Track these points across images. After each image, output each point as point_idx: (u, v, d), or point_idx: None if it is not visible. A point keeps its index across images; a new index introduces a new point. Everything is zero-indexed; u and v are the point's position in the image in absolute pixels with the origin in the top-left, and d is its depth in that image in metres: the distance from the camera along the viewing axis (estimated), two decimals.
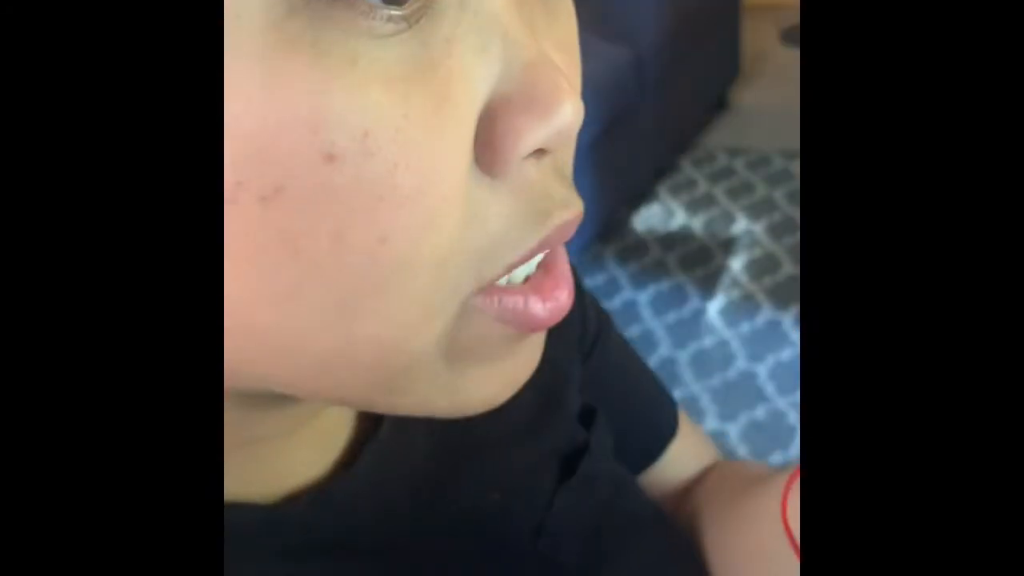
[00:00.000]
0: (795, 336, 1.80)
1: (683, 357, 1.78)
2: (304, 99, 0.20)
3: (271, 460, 0.30)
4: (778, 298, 1.88)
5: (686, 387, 1.71)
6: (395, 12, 0.21)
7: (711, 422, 1.65)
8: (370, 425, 0.33)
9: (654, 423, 0.49)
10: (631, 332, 1.83)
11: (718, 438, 1.62)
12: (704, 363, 1.76)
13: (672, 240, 2.08)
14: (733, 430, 1.64)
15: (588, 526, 0.38)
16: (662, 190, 2.24)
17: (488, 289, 0.24)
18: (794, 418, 1.64)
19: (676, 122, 2.13)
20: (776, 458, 1.60)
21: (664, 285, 1.95)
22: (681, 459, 0.50)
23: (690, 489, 0.49)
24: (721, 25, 2.34)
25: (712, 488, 0.47)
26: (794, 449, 1.60)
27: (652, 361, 1.75)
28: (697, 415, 1.66)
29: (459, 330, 0.24)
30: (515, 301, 0.25)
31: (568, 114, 0.23)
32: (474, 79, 0.22)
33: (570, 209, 0.25)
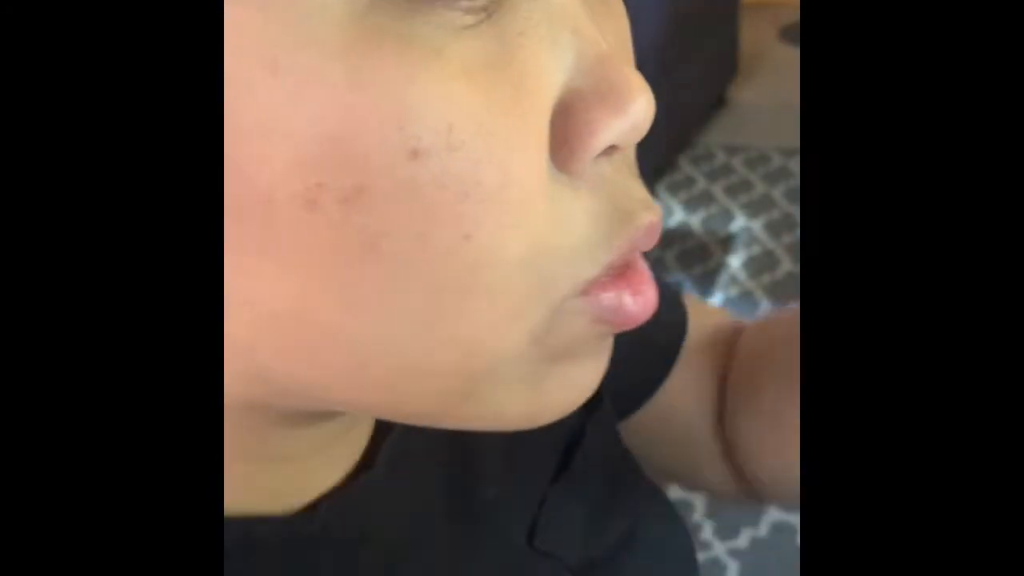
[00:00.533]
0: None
1: None
2: (390, 93, 0.19)
3: (298, 477, 0.29)
4: (777, 295, 1.88)
5: None
6: (474, 3, 0.20)
7: None
8: (385, 427, 0.33)
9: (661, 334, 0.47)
10: None
11: None
12: None
13: (671, 238, 2.09)
14: None
15: (584, 521, 0.38)
16: (660, 188, 2.24)
17: (586, 289, 0.24)
18: None
19: (674, 120, 2.13)
20: None
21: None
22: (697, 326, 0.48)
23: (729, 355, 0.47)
24: (719, 23, 2.35)
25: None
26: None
27: None
28: None
29: (549, 331, 0.24)
30: (610, 299, 0.24)
31: (643, 108, 0.23)
32: (548, 73, 0.22)
33: (652, 211, 0.25)
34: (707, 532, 1.50)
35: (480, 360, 0.23)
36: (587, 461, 0.38)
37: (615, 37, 0.25)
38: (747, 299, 1.90)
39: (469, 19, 0.20)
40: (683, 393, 0.45)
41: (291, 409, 0.26)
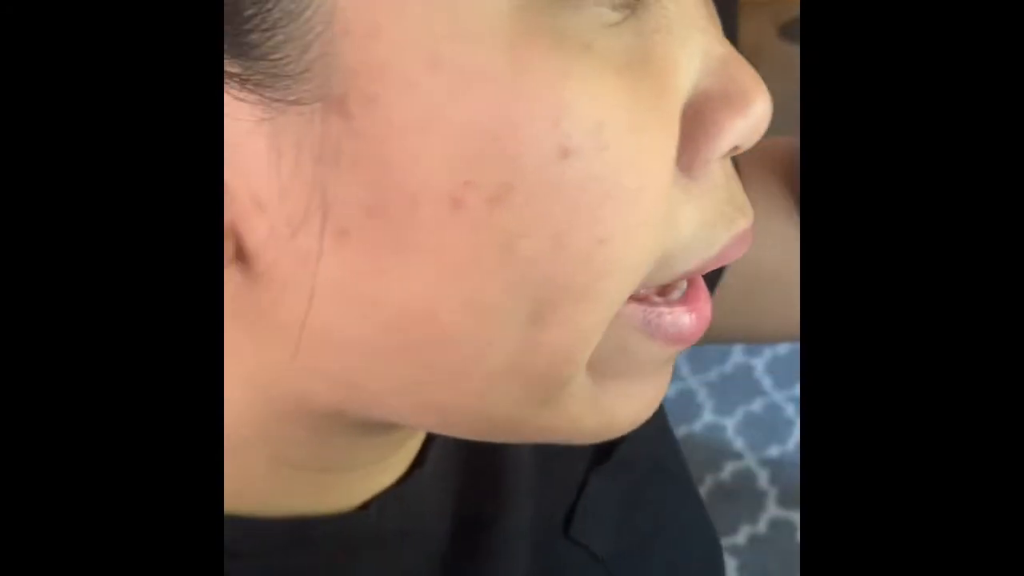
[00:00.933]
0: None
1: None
2: (547, 88, 0.20)
3: (357, 482, 0.30)
4: None
5: (683, 381, 1.71)
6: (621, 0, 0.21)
7: (708, 415, 1.65)
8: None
9: None
10: None
11: (715, 432, 1.62)
12: (701, 357, 1.75)
13: None
14: (730, 423, 1.64)
15: (619, 510, 0.37)
16: None
17: (638, 296, 0.24)
18: (791, 411, 1.63)
19: None
20: (773, 451, 1.60)
21: None
22: None
23: None
24: (719, 19, 2.32)
25: None
26: (791, 442, 1.60)
27: None
28: (694, 409, 1.66)
29: (610, 348, 0.24)
30: (660, 315, 0.24)
31: (764, 109, 0.23)
32: (681, 71, 0.22)
33: (747, 217, 0.25)
34: None
35: (566, 369, 0.23)
36: (630, 450, 0.38)
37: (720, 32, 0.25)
38: None
39: (616, 15, 0.21)
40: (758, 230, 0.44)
41: (370, 420, 0.26)
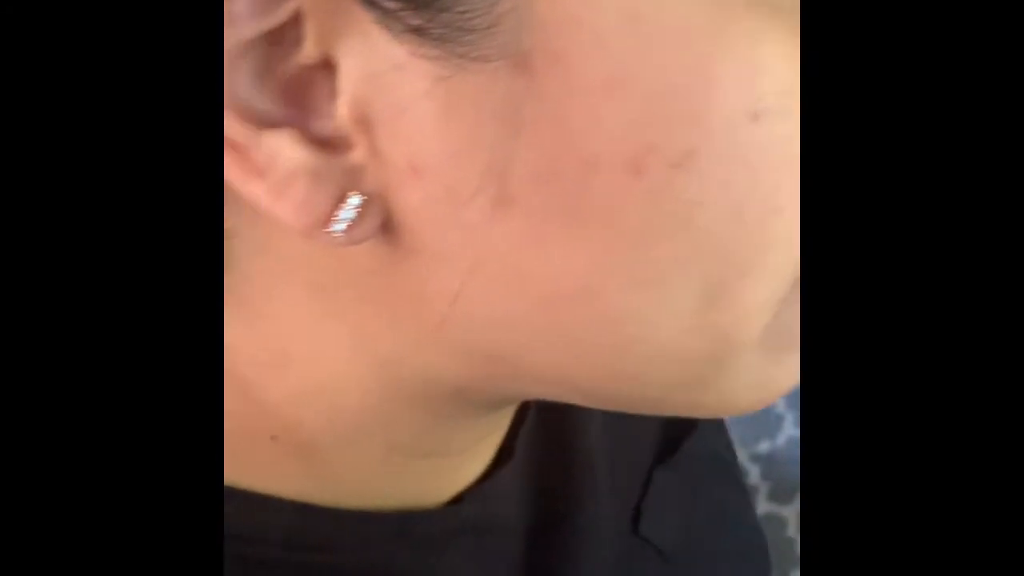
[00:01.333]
0: None
1: None
2: (745, 47, 0.19)
3: (449, 471, 0.29)
4: None
5: None
6: None
7: None
8: (521, 414, 0.32)
9: None
10: None
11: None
12: None
13: None
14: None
15: (683, 509, 0.37)
16: None
17: None
18: (781, 406, 1.63)
19: None
20: (764, 446, 1.61)
21: None
22: None
23: None
24: None
25: None
26: (781, 437, 1.60)
27: None
28: None
29: (780, 319, 0.23)
30: None
31: None
32: None
33: None
34: None
35: (726, 349, 0.22)
36: (694, 453, 0.38)
37: None
38: None
39: None
40: None
41: (500, 394, 0.25)
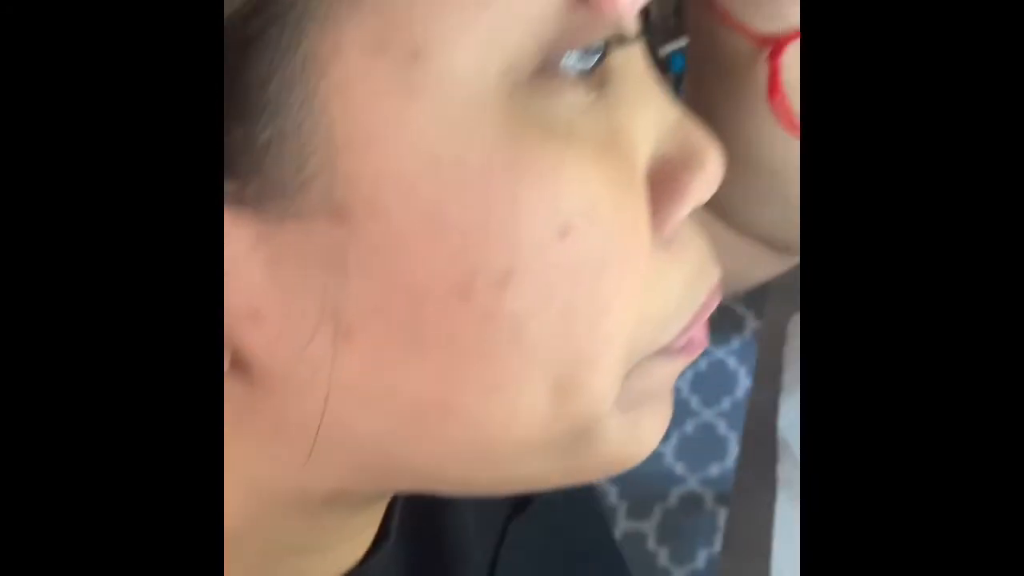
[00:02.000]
0: (711, 345, 1.76)
1: None
2: (545, 175, 0.20)
3: (332, 563, 0.29)
4: None
5: None
6: (591, 79, 0.22)
7: None
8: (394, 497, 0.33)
9: None
10: None
11: (654, 460, 1.60)
12: None
13: None
14: (668, 449, 1.63)
15: (540, 559, 0.38)
16: None
17: (664, 349, 0.25)
18: (723, 428, 1.65)
19: None
20: (714, 470, 1.61)
21: None
22: None
23: None
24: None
25: None
26: (729, 459, 1.60)
27: None
28: None
29: (633, 383, 0.24)
30: (679, 338, 0.25)
31: (719, 163, 0.24)
32: (643, 141, 0.23)
33: (718, 268, 0.26)
34: (663, 559, 1.50)
35: (586, 429, 0.24)
36: (549, 501, 0.39)
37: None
38: None
39: (591, 96, 0.22)
40: None
41: (376, 492, 0.27)
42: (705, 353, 1.75)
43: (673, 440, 1.65)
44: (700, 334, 0.25)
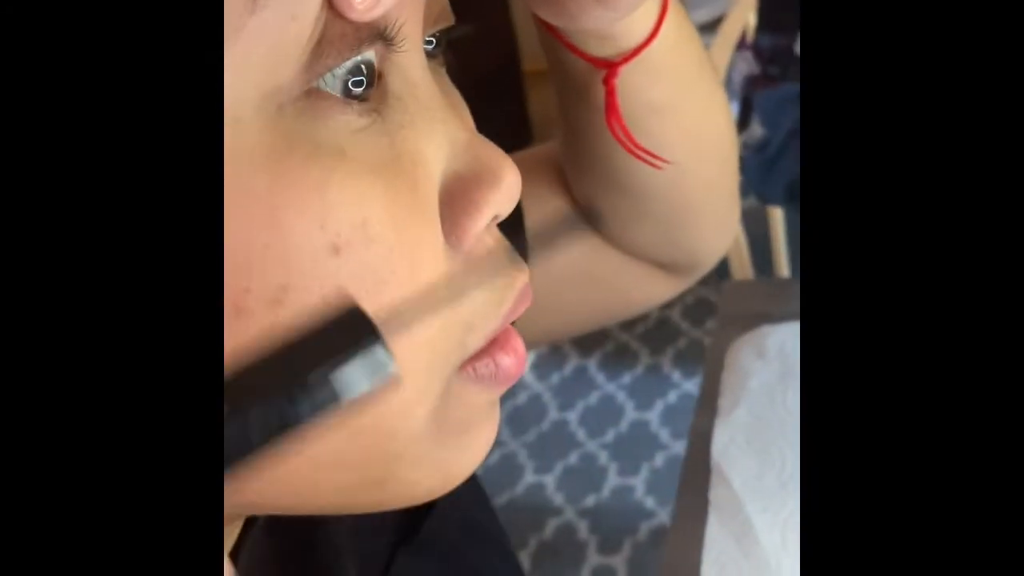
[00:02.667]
0: (600, 379, 1.83)
1: (500, 416, 1.75)
2: (310, 193, 0.21)
3: None
4: (582, 346, 1.90)
5: (505, 446, 1.73)
6: (365, 105, 0.22)
7: (529, 476, 1.66)
8: (249, 521, 0.33)
9: None
10: None
11: (536, 491, 1.63)
12: (519, 419, 1.78)
13: None
14: (549, 480, 1.64)
15: None
16: None
17: (463, 364, 0.25)
18: (604, 458, 1.66)
19: None
20: (590, 500, 1.61)
21: None
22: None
23: None
24: (504, 93, 2.38)
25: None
26: (606, 489, 1.62)
27: None
28: (516, 471, 1.68)
29: (446, 407, 0.25)
30: (486, 364, 0.25)
31: (515, 179, 0.25)
32: (431, 160, 0.24)
33: (524, 271, 0.26)
34: None
35: (392, 444, 0.24)
36: (440, 521, 0.39)
37: (466, 122, 0.27)
38: (556, 353, 1.89)
39: (364, 120, 0.22)
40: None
41: None
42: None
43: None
44: (509, 364, 0.26)
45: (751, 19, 1.38)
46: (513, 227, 0.40)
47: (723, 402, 0.75)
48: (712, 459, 0.69)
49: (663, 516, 1.56)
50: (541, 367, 1.87)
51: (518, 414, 1.78)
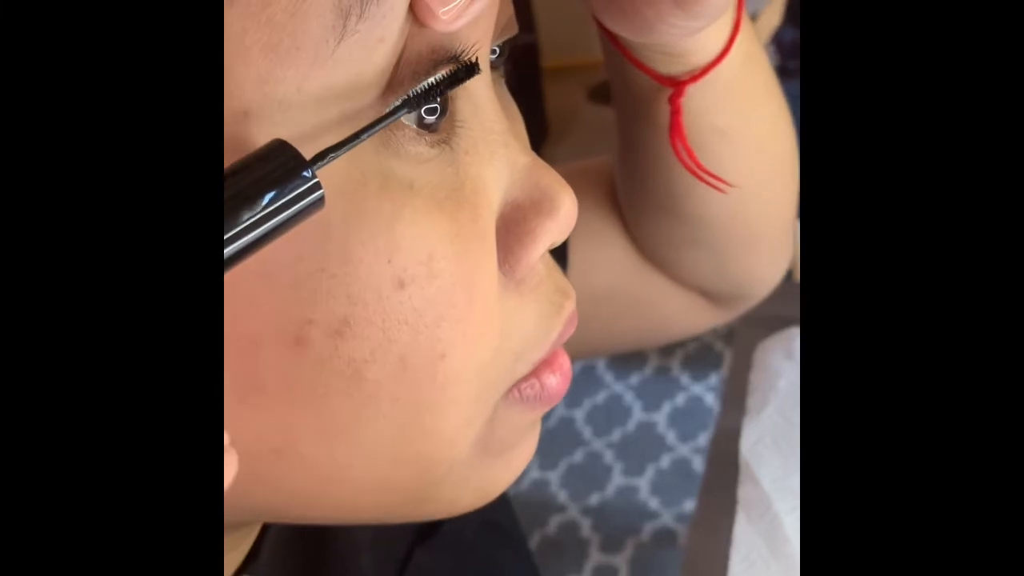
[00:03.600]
0: (608, 379, 1.82)
1: None
2: (379, 227, 0.20)
3: None
4: None
5: None
6: (436, 136, 0.22)
7: (533, 472, 1.66)
8: None
9: None
10: None
11: (540, 487, 1.64)
12: None
13: None
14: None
15: None
16: None
17: (509, 388, 0.25)
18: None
19: None
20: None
21: None
22: None
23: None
24: (522, 88, 2.39)
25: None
26: (611, 488, 1.61)
27: None
28: None
29: (492, 430, 0.25)
30: (531, 385, 0.25)
31: (571, 208, 0.25)
32: (491, 188, 0.23)
33: (572, 297, 0.26)
34: None
35: (436, 471, 0.24)
36: (459, 526, 0.38)
37: (523, 140, 0.26)
38: None
39: (432, 151, 0.22)
40: (592, 254, 0.42)
41: (230, 522, 0.26)
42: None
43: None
44: (555, 383, 0.26)
45: (776, 22, 1.38)
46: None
47: (751, 401, 0.75)
48: (741, 457, 0.69)
49: (667, 518, 1.56)
50: None
51: None
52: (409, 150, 0.21)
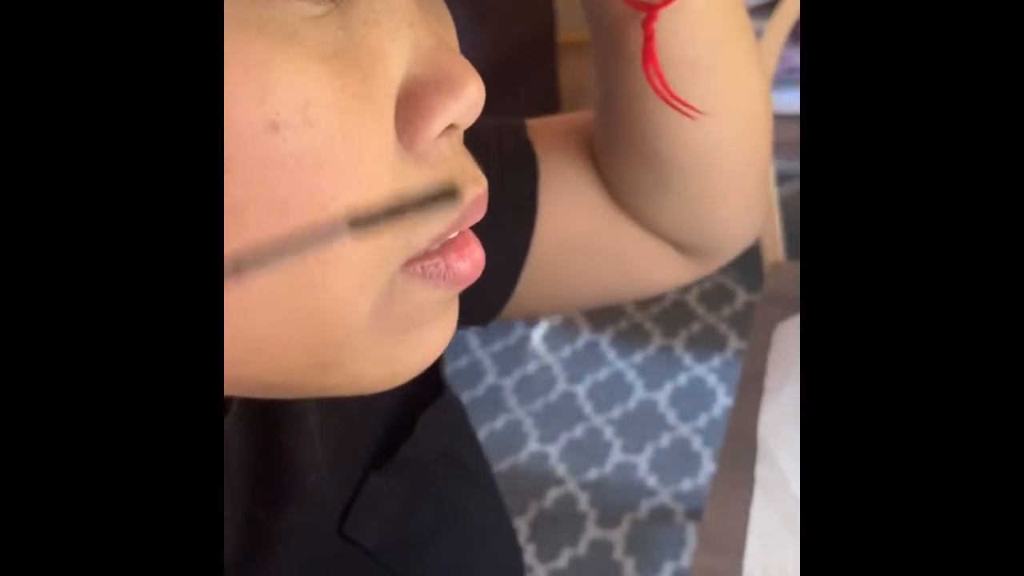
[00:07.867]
0: (611, 356, 1.83)
1: (508, 384, 1.80)
2: (251, 70, 0.21)
3: None
4: (595, 321, 1.90)
5: (511, 412, 1.73)
6: None
7: (533, 444, 1.68)
8: None
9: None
10: (460, 363, 1.87)
11: (539, 459, 1.65)
12: (528, 388, 1.78)
13: None
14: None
15: (401, 507, 0.39)
16: None
17: (408, 261, 0.26)
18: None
19: None
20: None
21: None
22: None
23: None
24: (537, 62, 2.37)
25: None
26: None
27: (479, 389, 1.79)
28: (520, 439, 1.69)
29: (392, 302, 0.26)
30: (435, 264, 0.26)
31: (475, 92, 0.25)
32: (390, 60, 0.24)
33: (481, 183, 0.27)
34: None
35: (333, 332, 0.25)
36: (416, 447, 0.40)
37: (447, 39, 0.27)
38: (569, 326, 1.92)
39: (319, 9, 0.23)
40: (565, 202, 0.43)
41: None
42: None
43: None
44: (463, 265, 0.26)
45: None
46: (524, 182, 0.42)
47: (770, 381, 0.75)
48: (759, 436, 0.69)
49: (664, 496, 1.57)
50: (553, 339, 1.87)
51: (526, 382, 1.79)
52: (294, 3, 0.22)
